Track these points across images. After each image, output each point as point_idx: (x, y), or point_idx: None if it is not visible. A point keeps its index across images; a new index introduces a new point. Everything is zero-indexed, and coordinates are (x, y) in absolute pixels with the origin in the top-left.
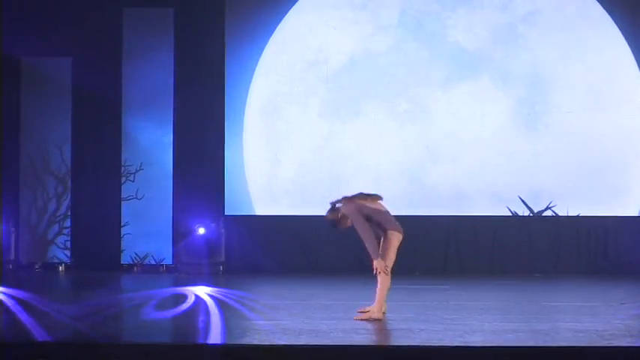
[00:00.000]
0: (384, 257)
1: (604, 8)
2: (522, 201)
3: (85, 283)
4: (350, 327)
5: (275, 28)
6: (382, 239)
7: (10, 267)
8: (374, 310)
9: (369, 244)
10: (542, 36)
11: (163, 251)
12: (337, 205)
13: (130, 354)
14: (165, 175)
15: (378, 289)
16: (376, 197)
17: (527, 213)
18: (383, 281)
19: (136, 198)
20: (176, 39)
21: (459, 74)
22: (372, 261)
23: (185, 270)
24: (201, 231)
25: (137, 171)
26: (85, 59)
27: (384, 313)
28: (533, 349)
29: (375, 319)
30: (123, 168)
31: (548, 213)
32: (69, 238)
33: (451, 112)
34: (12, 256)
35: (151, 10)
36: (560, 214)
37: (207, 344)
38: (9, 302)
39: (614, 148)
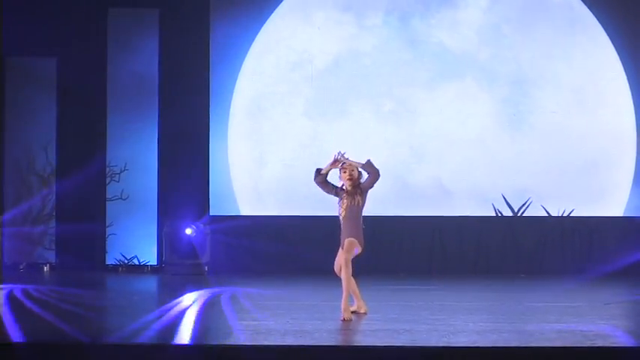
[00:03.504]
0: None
1: (588, 8)
2: (505, 200)
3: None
4: (335, 327)
5: (260, 28)
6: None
7: None
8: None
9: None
10: (527, 36)
11: (148, 252)
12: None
13: (112, 355)
14: (150, 176)
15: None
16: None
17: (510, 213)
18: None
19: (121, 198)
20: (161, 39)
21: (444, 74)
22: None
23: (170, 270)
24: (189, 231)
25: (122, 171)
26: (70, 59)
27: (365, 313)
28: (517, 349)
29: (344, 320)
30: (108, 168)
31: (532, 212)
32: (54, 239)
33: (436, 113)
34: None
35: (136, 10)
36: (545, 214)
37: (192, 345)
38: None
39: (599, 148)
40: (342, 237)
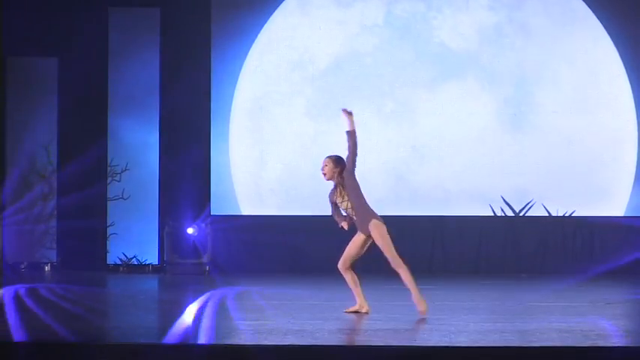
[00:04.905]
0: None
1: (590, 8)
2: (505, 202)
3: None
4: (336, 327)
5: (261, 28)
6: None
7: None
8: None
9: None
10: (528, 36)
11: (149, 251)
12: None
13: (116, 354)
14: (152, 175)
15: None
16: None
17: (511, 213)
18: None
19: (122, 198)
20: (162, 39)
21: (445, 74)
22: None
23: (172, 270)
24: (190, 231)
25: (123, 171)
26: (71, 59)
27: (366, 312)
28: (518, 349)
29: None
30: (109, 168)
31: (533, 212)
32: (55, 238)
33: (437, 113)
34: None
35: (137, 9)
36: (546, 214)
37: (193, 344)
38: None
39: (600, 147)
40: (359, 227)
